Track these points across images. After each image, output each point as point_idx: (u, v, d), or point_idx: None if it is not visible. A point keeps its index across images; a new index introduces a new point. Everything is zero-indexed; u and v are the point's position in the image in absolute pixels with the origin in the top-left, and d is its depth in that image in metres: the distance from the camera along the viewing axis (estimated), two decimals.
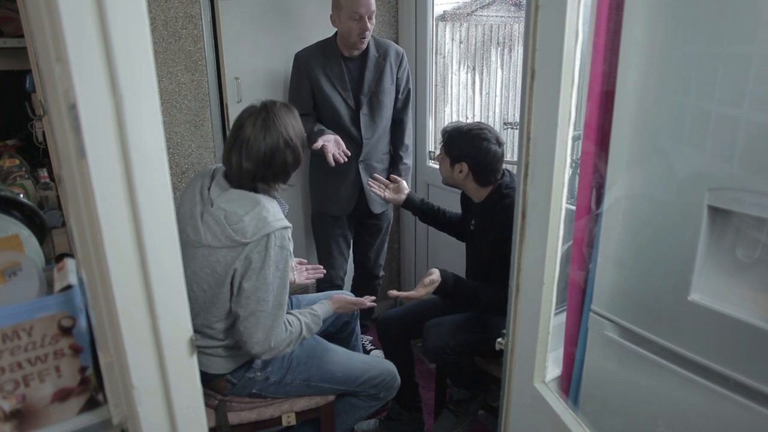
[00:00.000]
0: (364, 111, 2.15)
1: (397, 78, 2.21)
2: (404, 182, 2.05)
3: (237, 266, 1.35)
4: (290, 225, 1.40)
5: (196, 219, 1.38)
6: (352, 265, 2.52)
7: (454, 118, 3.03)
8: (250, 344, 1.39)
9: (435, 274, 1.65)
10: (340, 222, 2.29)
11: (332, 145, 1.99)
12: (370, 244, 2.41)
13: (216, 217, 1.35)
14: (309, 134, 2.08)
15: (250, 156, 1.37)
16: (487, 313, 1.76)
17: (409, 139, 2.35)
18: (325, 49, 2.12)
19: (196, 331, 1.32)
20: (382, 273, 2.51)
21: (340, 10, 2.00)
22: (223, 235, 1.34)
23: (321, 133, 2.02)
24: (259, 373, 1.51)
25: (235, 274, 1.36)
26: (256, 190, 1.41)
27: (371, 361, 1.67)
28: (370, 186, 2.06)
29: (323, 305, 1.62)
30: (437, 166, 2.66)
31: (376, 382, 1.62)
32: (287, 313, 1.48)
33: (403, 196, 2.01)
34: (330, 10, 2.07)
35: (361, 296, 1.78)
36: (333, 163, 1.98)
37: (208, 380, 1.50)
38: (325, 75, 2.10)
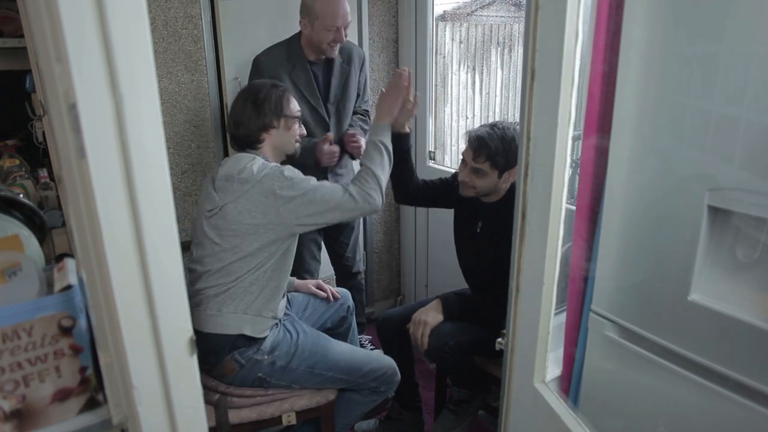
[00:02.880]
0: (331, 120, 2.11)
1: (359, 81, 2.19)
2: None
3: (267, 201, 1.46)
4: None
5: (210, 191, 1.53)
6: (328, 267, 2.49)
7: (455, 118, 3.03)
8: (363, 212, 1.55)
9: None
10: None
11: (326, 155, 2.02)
12: (346, 243, 2.37)
13: (222, 175, 1.51)
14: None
15: (236, 124, 1.59)
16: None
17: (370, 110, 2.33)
18: (290, 53, 2.03)
19: (218, 293, 1.50)
20: (363, 267, 2.50)
21: (314, 20, 1.92)
22: (237, 183, 1.47)
23: (307, 149, 1.98)
24: (266, 356, 1.53)
25: (264, 212, 1.46)
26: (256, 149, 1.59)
27: (373, 355, 1.73)
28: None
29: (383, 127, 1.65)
30: (437, 167, 2.66)
31: (377, 374, 1.65)
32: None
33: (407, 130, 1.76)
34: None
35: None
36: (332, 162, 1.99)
37: (217, 359, 1.52)
38: (293, 83, 2.02)
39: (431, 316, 1.74)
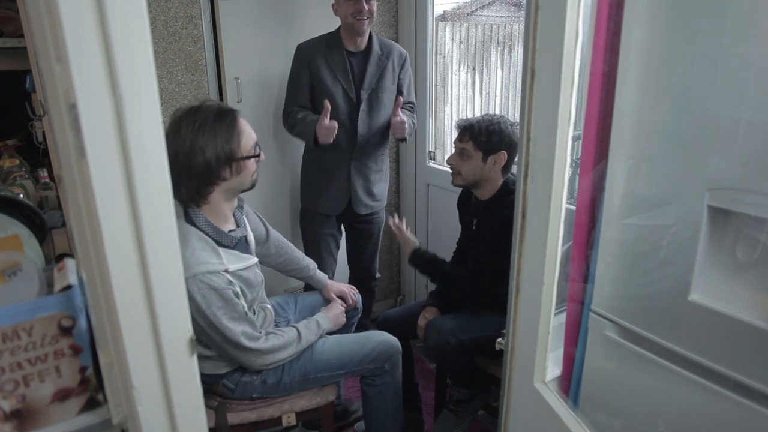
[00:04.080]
0: (363, 107, 2.13)
1: (399, 78, 2.21)
2: (411, 236, 1.93)
3: None
4: (217, 269, 1.32)
5: None
6: (346, 268, 2.50)
7: (455, 118, 3.03)
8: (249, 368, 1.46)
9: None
10: (330, 221, 2.25)
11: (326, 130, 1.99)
12: (365, 248, 2.37)
13: None
14: (294, 125, 2.09)
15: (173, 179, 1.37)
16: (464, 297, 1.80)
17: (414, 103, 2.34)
18: (329, 42, 2.10)
19: None
20: (378, 275, 2.50)
21: None
22: None
23: (308, 121, 2.01)
24: (255, 377, 1.50)
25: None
26: (195, 218, 1.36)
27: (361, 338, 1.66)
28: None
29: (326, 319, 1.66)
30: (437, 167, 2.66)
31: (373, 356, 1.62)
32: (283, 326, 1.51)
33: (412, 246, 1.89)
34: (328, 7, 2.07)
35: (360, 297, 1.84)
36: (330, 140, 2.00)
37: (204, 387, 1.49)
38: (328, 66, 2.08)
39: (427, 314, 1.85)
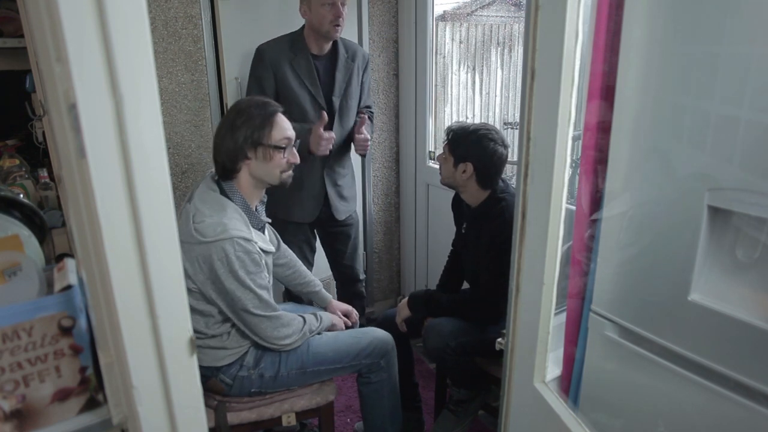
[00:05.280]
0: (335, 113, 2.08)
1: (362, 81, 2.18)
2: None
3: (196, 265, 1.39)
4: (251, 238, 1.42)
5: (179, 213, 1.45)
6: (322, 271, 2.48)
7: (454, 118, 3.03)
8: (261, 339, 1.49)
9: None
10: (303, 228, 2.21)
11: (324, 142, 1.97)
12: (343, 252, 2.33)
13: (187, 212, 1.42)
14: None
15: (216, 151, 1.49)
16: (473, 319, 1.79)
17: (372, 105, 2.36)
18: (293, 44, 2.02)
19: None
20: (363, 276, 2.47)
21: (309, 1, 1.94)
22: (187, 231, 1.38)
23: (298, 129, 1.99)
24: (252, 371, 1.52)
25: (194, 273, 1.40)
26: (232, 192, 1.47)
27: (356, 334, 1.69)
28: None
29: (326, 315, 1.70)
30: (437, 167, 2.66)
31: (368, 351, 1.64)
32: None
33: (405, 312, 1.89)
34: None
35: (348, 302, 1.87)
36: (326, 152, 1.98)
37: (201, 382, 1.50)
38: (293, 71, 2.01)
39: (404, 309, 1.88)
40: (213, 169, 1.53)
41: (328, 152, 2.00)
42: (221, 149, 1.46)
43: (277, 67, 2.00)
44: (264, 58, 2.01)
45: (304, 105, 2.03)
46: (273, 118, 1.47)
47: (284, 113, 1.52)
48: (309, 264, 2.28)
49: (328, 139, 1.96)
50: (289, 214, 2.16)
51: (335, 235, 2.29)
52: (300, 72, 2.02)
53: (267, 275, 1.49)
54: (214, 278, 1.39)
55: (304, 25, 2.05)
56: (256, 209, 1.54)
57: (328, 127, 2.05)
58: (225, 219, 1.39)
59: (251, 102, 1.49)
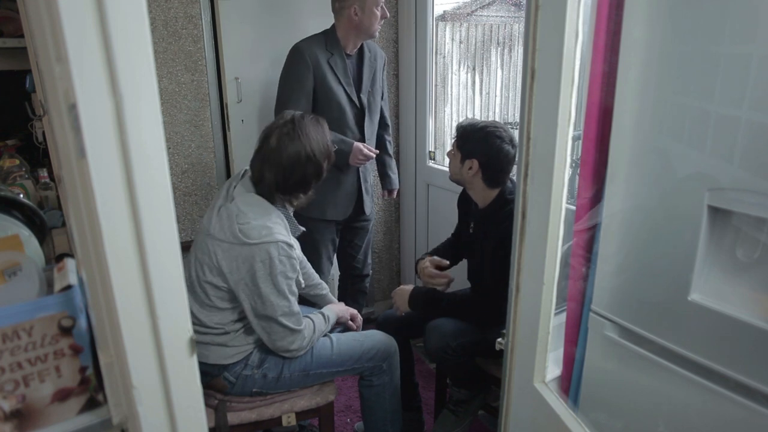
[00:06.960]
0: (366, 111, 2.14)
1: (382, 79, 2.26)
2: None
3: (234, 265, 1.39)
4: (294, 243, 1.46)
5: (213, 210, 1.47)
6: (337, 267, 2.50)
7: (455, 118, 3.03)
8: (271, 345, 1.49)
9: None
10: (331, 226, 2.24)
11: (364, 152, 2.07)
12: (359, 246, 2.37)
13: (230, 212, 1.43)
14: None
15: (272, 166, 1.46)
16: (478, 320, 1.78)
17: (389, 120, 2.43)
18: (328, 43, 2.08)
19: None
20: (370, 272, 2.51)
21: (363, 2, 1.99)
22: (229, 231, 1.40)
23: (346, 141, 2.05)
24: (256, 371, 1.52)
25: (229, 272, 1.40)
26: (273, 201, 1.49)
27: (359, 336, 1.70)
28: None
29: (333, 313, 1.70)
30: (437, 166, 2.66)
31: (371, 354, 1.64)
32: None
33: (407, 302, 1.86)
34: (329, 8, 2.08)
35: (352, 298, 1.86)
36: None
37: (205, 380, 1.51)
38: (331, 69, 2.06)
39: (403, 300, 1.83)
40: (247, 170, 1.55)
41: (363, 163, 2.11)
42: (279, 169, 1.45)
43: (316, 65, 2.04)
44: (305, 56, 2.04)
45: (341, 102, 2.09)
46: (316, 117, 1.55)
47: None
48: (330, 263, 2.31)
49: (368, 156, 2.07)
50: (323, 213, 2.19)
51: (356, 230, 2.34)
52: (337, 70, 2.07)
53: (301, 280, 1.52)
54: (250, 279, 1.40)
55: (334, 24, 2.09)
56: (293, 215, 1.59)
57: (359, 122, 2.14)
58: (269, 223, 1.42)
59: (298, 121, 1.50)
